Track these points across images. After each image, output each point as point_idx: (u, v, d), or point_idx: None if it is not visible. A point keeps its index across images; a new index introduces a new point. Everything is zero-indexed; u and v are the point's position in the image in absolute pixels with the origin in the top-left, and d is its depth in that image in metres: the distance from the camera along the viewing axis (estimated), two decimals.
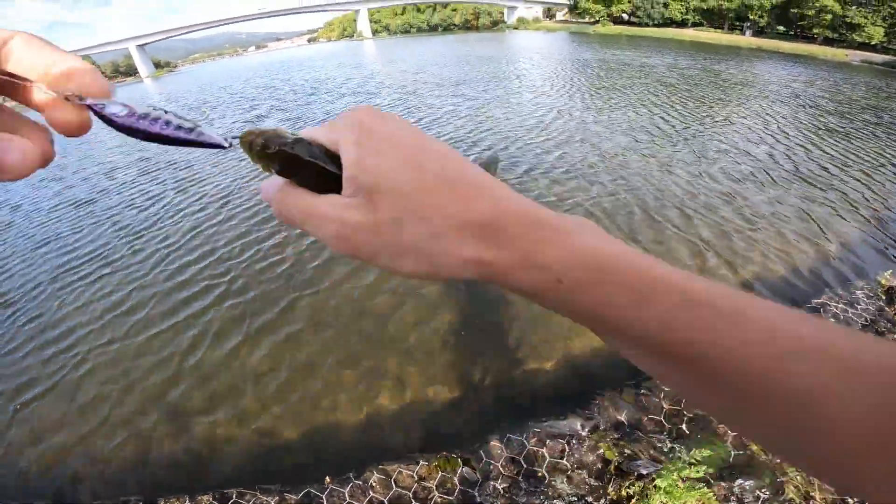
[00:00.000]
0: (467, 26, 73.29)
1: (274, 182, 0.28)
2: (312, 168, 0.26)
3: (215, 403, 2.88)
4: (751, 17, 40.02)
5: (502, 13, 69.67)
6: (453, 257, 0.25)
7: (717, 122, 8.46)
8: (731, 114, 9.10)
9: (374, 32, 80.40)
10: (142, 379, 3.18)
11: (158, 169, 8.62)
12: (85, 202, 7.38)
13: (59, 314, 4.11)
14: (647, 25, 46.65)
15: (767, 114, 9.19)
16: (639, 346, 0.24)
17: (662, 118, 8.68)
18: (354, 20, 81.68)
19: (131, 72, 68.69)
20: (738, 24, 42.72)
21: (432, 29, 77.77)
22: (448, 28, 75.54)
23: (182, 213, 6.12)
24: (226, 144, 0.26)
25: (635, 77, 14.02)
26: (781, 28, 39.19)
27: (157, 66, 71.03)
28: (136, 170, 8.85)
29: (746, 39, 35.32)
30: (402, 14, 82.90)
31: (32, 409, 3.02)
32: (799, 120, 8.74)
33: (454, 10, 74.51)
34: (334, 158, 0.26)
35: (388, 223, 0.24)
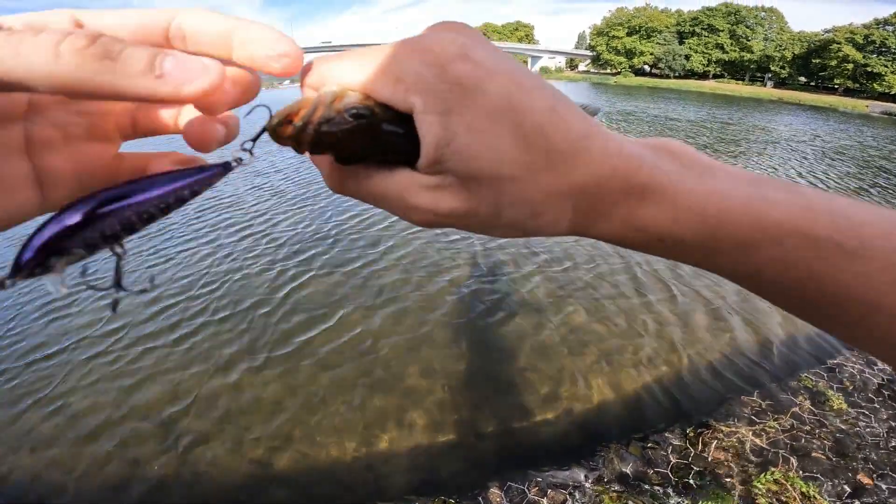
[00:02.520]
0: None
1: (325, 161, 0.23)
2: (379, 148, 0.21)
3: (210, 431, 2.86)
4: (772, 68, 40.69)
5: (526, 62, 72.73)
6: (549, 227, 0.23)
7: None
8: (750, 167, 9.11)
9: None
10: (136, 400, 3.17)
11: None
12: None
13: (51, 331, 4.24)
14: (668, 77, 47.87)
15: (790, 167, 9.18)
16: (749, 280, 0.23)
17: None
18: None
19: None
20: (759, 75, 43.45)
21: None
22: None
23: (188, 235, 6.37)
24: (234, 164, 0.21)
25: (657, 128, 14.29)
26: (802, 79, 39.63)
27: None
28: None
29: (767, 91, 35.79)
30: None
31: (24, 421, 3.01)
32: (820, 173, 8.69)
33: None
34: (405, 122, 0.20)
35: (485, 210, 0.22)
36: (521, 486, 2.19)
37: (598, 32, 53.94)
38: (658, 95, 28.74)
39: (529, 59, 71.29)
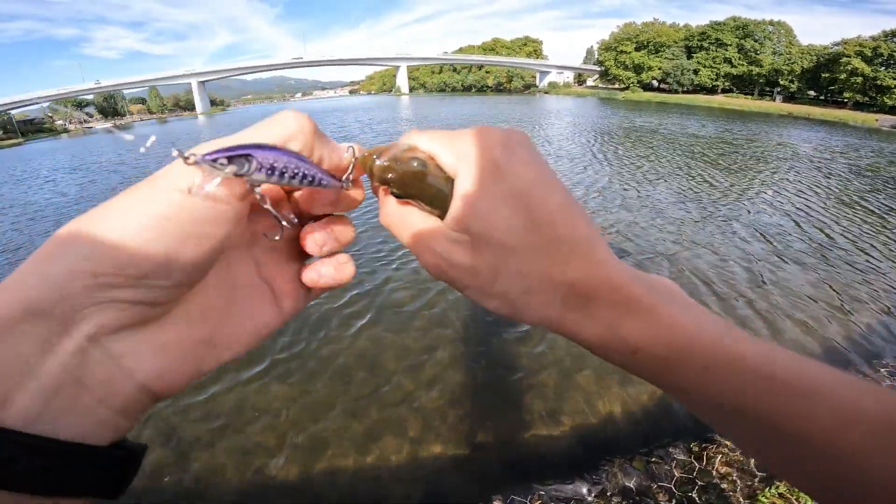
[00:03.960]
0: (500, 88, 76.83)
1: (387, 196, 0.28)
2: (425, 193, 0.26)
3: (213, 436, 2.87)
4: (781, 82, 40.55)
5: (534, 77, 73.24)
6: (538, 312, 0.25)
7: (746, 193, 8.42)
8: (761, 186, 9.03)
9: (411, 89, 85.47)
10: None
11: None
12: None
13: None
14: (676, 92, 47.93)
15: (799, 182, 9.12)
16: (704, 408, 0.25)
17: (692, 189, 8.75)
18: (394, 75, 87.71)
19: (189, 106, 73.65)
20: (768, 89, 43.32)
21: (466, 89, 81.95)
22: (481, 89, 79.46)
23: None
24: (345, 185, 0.27)
25: (665, 145, 14.32)
26: (812, 93, 39.40)
27: (213, 103, 76.33)
28: None
29: (777, 105, 35.61)
30: (438, 73, 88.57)
31: None
32: (825, 188, 8.63)
33: (488, 72, 78.86)
34: (448, 182, 0.25)
35: (486, 271, 0.25)
36: (524, 500, 2.20)
37: (607, 47, 54.40)
38: (668, 111, 28.76)
39: (538, 75, 71.98)
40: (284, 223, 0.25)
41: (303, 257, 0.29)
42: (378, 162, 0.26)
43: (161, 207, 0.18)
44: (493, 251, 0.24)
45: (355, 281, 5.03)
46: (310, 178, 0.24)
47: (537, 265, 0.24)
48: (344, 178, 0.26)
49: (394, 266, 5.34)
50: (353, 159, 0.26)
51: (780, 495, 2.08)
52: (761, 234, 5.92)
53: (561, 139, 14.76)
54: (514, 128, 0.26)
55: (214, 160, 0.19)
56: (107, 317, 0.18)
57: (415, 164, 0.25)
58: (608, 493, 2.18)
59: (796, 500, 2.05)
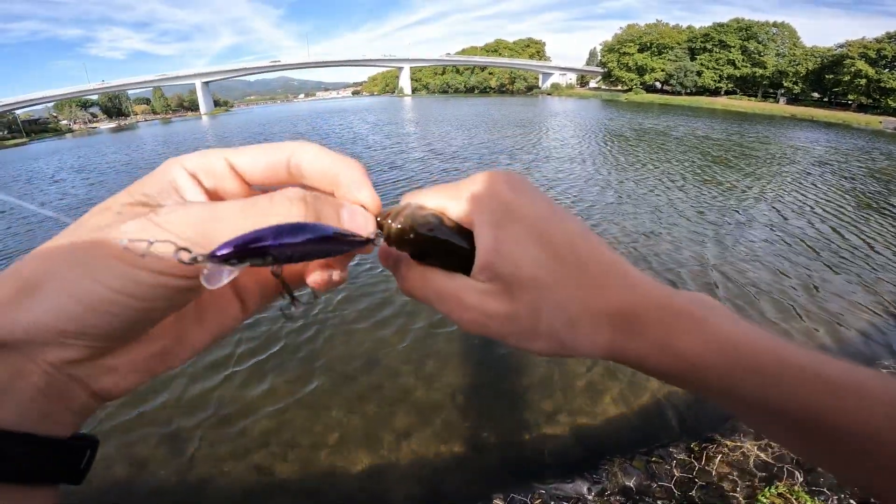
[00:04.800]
0: (502, 90, 76.72)
1: (402, 259, 0.28)
2: (445, 249, 0.26)
3: (212, 433, 2.88)
4: (785, 84, 40.37)
5: (537, 78, 73.16)
6: (587, 343, 0.25)
7: (748, 195, 8.38)
8: (764, 188, 8.96)
9: (414, 90, 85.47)
10: (142, 405, 3.19)
11: None
12: None
13: None
14: (679, 94, 47.83)
15: (823, 186, 9.07)
16: (766, 418, 0.25)
17: (695, 192, 8.73)
18: (397, 77, 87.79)
19: (193, 107, 74.12)
20: (771, 91, 43.15)
21: (469, 90, 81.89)
22: (484, 90, 79.35)
23: None
24: (372, 237, 0.25)
25: (668, 147, 14.30)
26: (815, 95, 39.22)
27: (217, 103, 76.73)
28: None
29: (780, 107, 35.45)
30: (441, 74, 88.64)
31: None
32: (850, 192, 8.60)
33: (491, 73, 78.84)
34: (466, 234, 0.26)
35: (526, 313, 0.25)
36: (524, 499, 2.21)
37: (610, 49, 54.30)
38: (672, 112, 28.70)
39: (540, 76, 71.93)
40: (300, 300, 0.26)
41: None
42: (395, 225, 0.25)
43: (119, 284, 0.19)
44: (528, 291, 0.24)
45: (352, 274, 5.04)
46: (335, 252, 0.24)
47: (574, 295, 0.24)
48: (372, 236, 0.25)
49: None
50: (375, 222, 0.26)
51: (780, 495, 2.08)
52: (796, 237, 5.88)
53: (571, 141, 14.77)
54: (510, 170, 0.27)
55: (227, 258, 0.18)
56: (66, 353, 0.20)
57: (431, 220, 0.25)
58: (608, 493, 2.19)
59: (796, 500, 2.05)
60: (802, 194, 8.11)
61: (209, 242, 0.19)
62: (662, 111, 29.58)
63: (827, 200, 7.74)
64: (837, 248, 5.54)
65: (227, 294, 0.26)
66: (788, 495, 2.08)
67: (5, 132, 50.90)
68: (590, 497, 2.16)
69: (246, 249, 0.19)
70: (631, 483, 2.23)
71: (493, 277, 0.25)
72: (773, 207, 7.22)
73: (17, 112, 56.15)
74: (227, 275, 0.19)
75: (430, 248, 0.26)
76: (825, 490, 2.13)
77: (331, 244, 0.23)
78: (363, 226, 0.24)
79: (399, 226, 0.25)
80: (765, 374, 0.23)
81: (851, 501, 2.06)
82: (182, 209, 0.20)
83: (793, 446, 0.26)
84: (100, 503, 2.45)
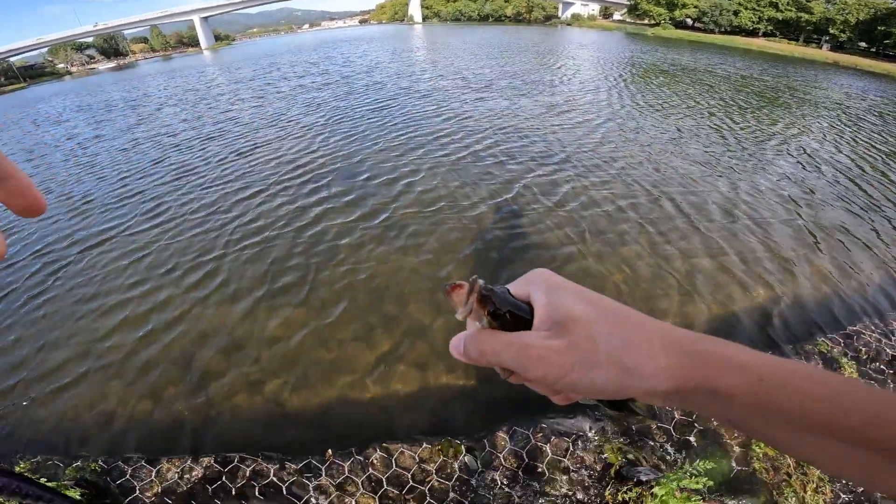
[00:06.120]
0: (518, 19, 71.43)
1: (472, 330, 0.33)
2: (515, 314, 0.32)
3: (225, 364, 2.95)
4: (831, 31, 37.15)
5: (556, 8, 67.57)
6: (649, 364, 0.29)
7: (783, 136, 7.94)
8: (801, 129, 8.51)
9: (425, 18, 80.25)
10: (154, 334, 3.27)
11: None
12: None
13: (82, 266, 4.40)
14: (712, 32, 44.11)
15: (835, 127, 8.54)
16: (802, 437, 0.28)
17: (723, 127, 8.25)
18: (406, 4, 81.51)
19: (193, 43, 71.57)
20: (815, 37, 39.74)
21: (483, 19, 76.33)
22: (499, 19, 73.95)
23: (215, 174, 6.42)
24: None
25: (719, 86, 13.32)
26: (863, 45, 36.19)
27: (218, 38, 73.76)
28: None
29: (822, 53, 32.80)
30: (454, 1, 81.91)
31: (51, 359, 3.18)
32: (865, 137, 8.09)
33: (507, 1, 72.85)
34: (526, 303, 0.34)
35: (583, 339, 0.30)
36: (526, 432, 2.27)
37: None
38: (704, 50, 26.56)
39: (560, 6, 66.27)
40: None
41: None
42: (481, 292, 0.32)
43: None
44: (582, 324, 0.30)
45: (366, 207, 4.96)
46: None
47: (620, 323, 0.31)
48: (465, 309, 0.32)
49: (397, 189, 5.24)
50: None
51: None
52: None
53: (602, 72, 13.82)
54: (548, 271, 0.35)
55: None
56: None
57: (499, 290, 0.33)
58: (608, 431, 2.25)
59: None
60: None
61: None
62: (693, 49, 27.36)
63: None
64: None
65: None
66: None
67: (2, 79, 49.68)
68: (590, 434, 2.23)
69: None
70: (632, 423, 2.28)
71: (552, 325, 0.31)
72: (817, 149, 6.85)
73: (12, 59, 55.12)
74: None
75: (502, 310, 0.32)
76: None
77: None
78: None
79: (494, 306, 0.32)
80: (822, 384, 0.28)
81: None
82: None
83: (854, 472, 0.29)
84: (111, 438, 2.54)
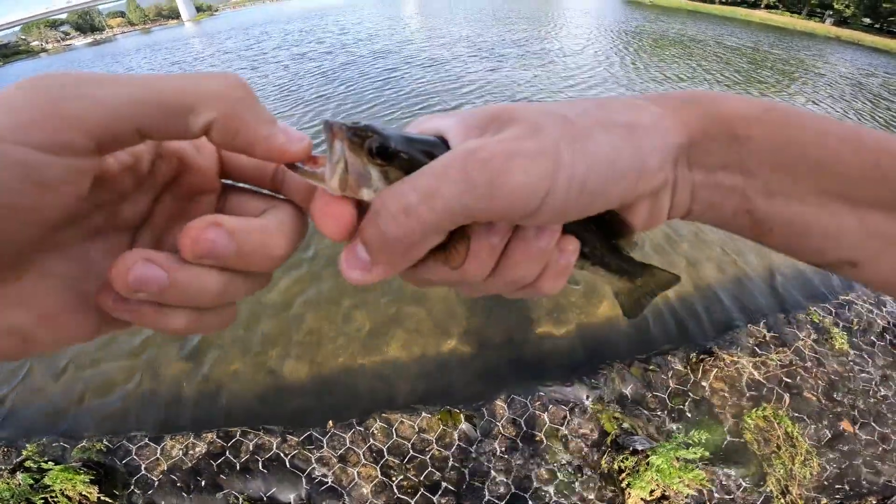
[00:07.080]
0: None
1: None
2: (422, 148, 0.22)
3: (222, 337, 2.92)
4: (836, 6, 36.45)
5: None
6: (645, 116, 0.22)
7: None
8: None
9: None
10: None
11: None
12: None
13: None
14: (712, 2, 43.02)
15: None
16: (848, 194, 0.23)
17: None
18: None
19: (174, 15, 68.93)
20: (819, 11, 38.98)
21: None
22: None
23: None
24: None
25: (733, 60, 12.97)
26: (867, 20, 35.60)
27: (199, 9, 71.08)
28: None
29: (825, 27, 32.21)
30: None
31: None
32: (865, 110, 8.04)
33: None
34: (433, 139, 0.23)
35: (549, 118, 0.21)
36: (524, 400, 2.31)
37: None
38: (705, 21, 25.83)
39: None
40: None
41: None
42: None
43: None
44: (531, 110, 0.22)
45: None
46: None
47: (605, 106, 0.23)
48: None
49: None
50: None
51: (765, 417, 2.18)
52: None
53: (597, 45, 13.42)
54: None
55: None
56: None
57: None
58: (605, 400, 2.29)
59: (778, 423, 2.15)
60: None
61: None
62: (692, 18, 26.59)
63: None
64: None
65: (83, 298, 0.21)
66: (772, 418, 2.18)
67: None
68: (587, 403, 2.27)
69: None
70: (628, 391, 2.33)
71: (486, 125, 0.21)
72: None
73: None
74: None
75: (396, 146, 0.22)
76: (805, 418, 2.22)
77: None
78: (300, 141, 0.23)
79: (357, 131, 0.23)
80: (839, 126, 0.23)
81: (827, 431, 2.17)
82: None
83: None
84: (112, 415, 2.53)
